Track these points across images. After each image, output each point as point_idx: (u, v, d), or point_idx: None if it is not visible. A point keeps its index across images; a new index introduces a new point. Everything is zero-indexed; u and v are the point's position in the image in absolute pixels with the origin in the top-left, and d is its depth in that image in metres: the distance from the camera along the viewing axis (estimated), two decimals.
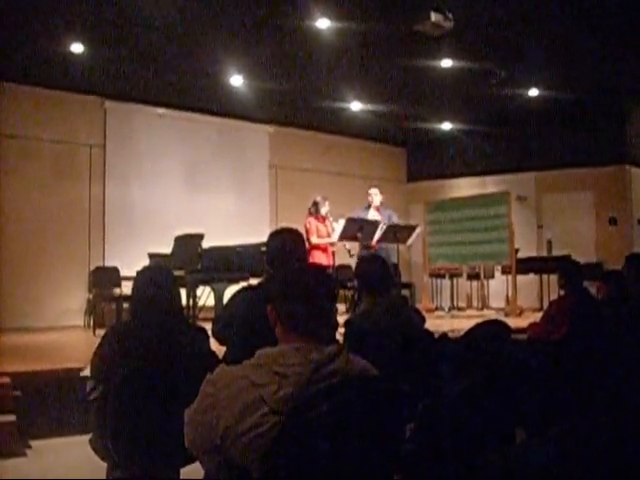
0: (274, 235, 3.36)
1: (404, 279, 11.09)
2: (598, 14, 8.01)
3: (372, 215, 8.82)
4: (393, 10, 7.79)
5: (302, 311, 1.94)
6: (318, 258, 8.39)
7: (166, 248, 8.36)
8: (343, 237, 8.20)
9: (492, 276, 12.45)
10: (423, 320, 3.95)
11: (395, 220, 8.91)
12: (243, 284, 7.00)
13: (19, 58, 8.98)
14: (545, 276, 11.53)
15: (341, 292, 10.30)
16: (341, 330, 3.52)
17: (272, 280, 2.85)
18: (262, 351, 1.89)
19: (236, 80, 10.15)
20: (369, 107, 11.70)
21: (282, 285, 2.01)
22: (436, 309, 11.66)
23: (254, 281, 6.32)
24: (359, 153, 13.77)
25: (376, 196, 8.98)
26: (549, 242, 12.12)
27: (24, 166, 9.90)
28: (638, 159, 12.11)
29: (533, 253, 12.16)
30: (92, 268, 10.08)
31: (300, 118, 12.44)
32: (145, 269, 3.25)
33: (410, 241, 8.99)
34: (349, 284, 9.62)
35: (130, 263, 8.21)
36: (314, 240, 8.41)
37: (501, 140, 13.00)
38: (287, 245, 3.27)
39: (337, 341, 2.13)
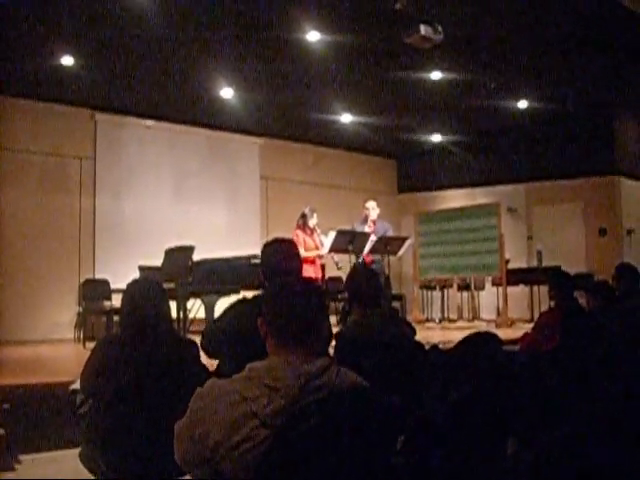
0: (268, 246, 3.35)
1: (394, 291, 11.10)
2: (587, 27, 8.08)
3: (368, 229, 8.68)
4: (383, 23, 7.84)
5: (292, 324, 1.93)
6: (306, 271, 8.32)
7: (157, 260, 8.30)
8: (333, 249, 8.20)
9: (482, 287, 12.48)
10: (413, 332, 3.95)
11: (390, 234, 8.76)
12: (234, 296, 6.98)
13: (9, 71, 8.94)
14: (535, 287, 11.56)
15: (331, 304, 10.29)
16: (333, 343, 3.51)
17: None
18: (252, 364, 1.89)
19: (226, 92, 10.16)
20: (359, 119, 11.74)
21: (272, 298, 2.01)
22: (427, 320, 11.67)
23: (245, 293, 6.30)
24: (350, 165, 13.80)
25: (373, 210, 8.80)
26: (539, 253, 12.15)
27: (14, 178, 9.85)
28: (627, 170, 12.19)
29: (523, 264, 12.20)
30: (82, 281, 10.03)
31: (290, 130, 12.46)
32: (134, 282, 3.24)
33: (401, 252, 8.96)
34: (339, 296, 9.59)
35: (120, 276, 8.17)
36: (301, 253, 8.37)
37: (491, 152, 13.07)
38: (281, 256, 3.27)
39: (328, 354, 2.12)
